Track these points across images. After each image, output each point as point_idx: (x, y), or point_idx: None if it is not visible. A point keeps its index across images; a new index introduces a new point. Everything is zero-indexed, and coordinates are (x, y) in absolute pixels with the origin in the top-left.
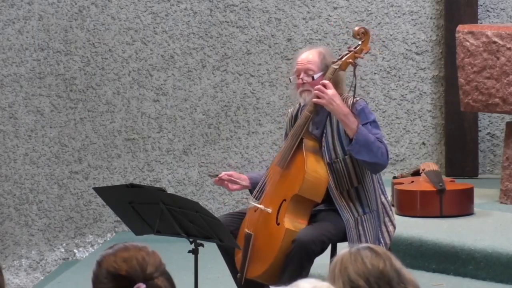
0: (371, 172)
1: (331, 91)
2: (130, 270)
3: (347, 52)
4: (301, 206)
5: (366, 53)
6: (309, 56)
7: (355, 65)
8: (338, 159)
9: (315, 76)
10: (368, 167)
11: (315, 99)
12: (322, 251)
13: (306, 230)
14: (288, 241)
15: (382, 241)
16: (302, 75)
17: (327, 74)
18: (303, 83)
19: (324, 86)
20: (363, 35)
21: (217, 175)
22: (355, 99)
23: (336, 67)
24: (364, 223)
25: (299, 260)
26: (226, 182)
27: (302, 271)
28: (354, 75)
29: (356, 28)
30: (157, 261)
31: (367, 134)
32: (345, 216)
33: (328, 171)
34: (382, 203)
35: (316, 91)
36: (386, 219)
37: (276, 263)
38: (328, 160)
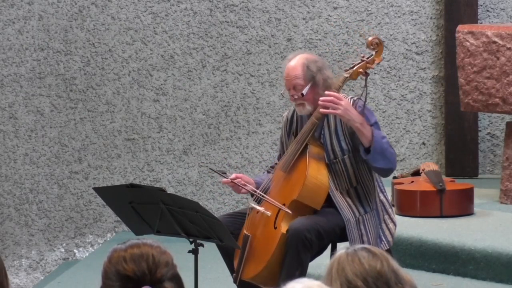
0: (382, 176)
1: (343, 101)
2: (138, 271)
3: (359, 61)
4: (300, 212)
5: (378, 63)
6: (294, 72)
7: (366, 75)
8: (337, 160)
9: (304, 92)
10: (382, 173)
11: (331, 111)
12: (320, 242)
13: (299, 219)
14: (283, 245)
15: (384, 239)
16: (291, 91)
17: (337, 82)
18: (295, 99)
19: (337, 98)
20: (377, 45)
21: (224, 173)
22: (355, 99)
23: (347, 75)
24: (366, 223)
25: (295, 248)
26: (239, 187)
27: (300, 260)
28: (365, 85)
29: (370, 38)
30: (168, 262)
31: (380, 141)
32: (346, 216)
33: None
34: (381, 201)
35: (329, 103)
36: (386, 216)
37: (270, 267)
38: (326, 161)
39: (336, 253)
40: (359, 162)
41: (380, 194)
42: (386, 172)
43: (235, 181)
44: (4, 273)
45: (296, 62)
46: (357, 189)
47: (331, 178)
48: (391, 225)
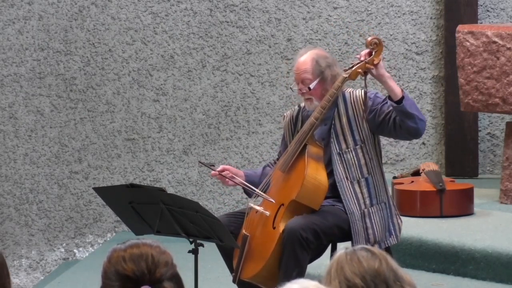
0: (413, 136)
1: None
2: (137, 271)
3: (358, 61)
4: (298, 212)
5: (377, 63)
6: (303, 66)
7: (365, 75)
8: (349, 149)
9: (311, 86)
10: (417, 125)
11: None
12: (317, 241)
13: (295, 218)
14: (282, 245)
15: (393, 233)
16: (300, 85)
17: (336, 82)
18: (303, 93)
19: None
20: (376, 45)
21: (212, 165)
22: (362, 90)
23: (346, 75)
24: (372, 216)
25: (291, 247)
26: (227, 179)
27: (297, 259)
28: (365, 84)
29: (369, 38)
30: (167, 262)
31: (409, 96)
32: (350, 208)
33: (338, 162)
34: (391, 196)
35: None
36: (396, 212)
37: (269, 266)
38: (338, 151)
39: (336, 253)
40: (371, 153)
41: (389, 189)
42: (419, 124)
43: (222, 173)
44: (6, 273)
45: (306, 57)
46: (368, 180)
47: (342, 168)
48: (399, 221)
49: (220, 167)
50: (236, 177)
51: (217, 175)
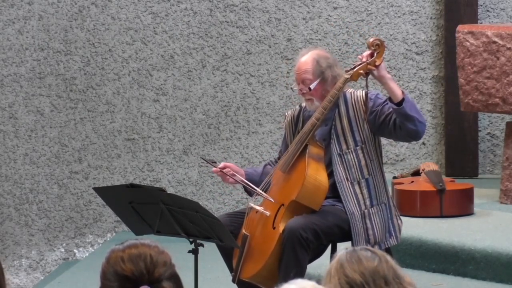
0: (413, 138)
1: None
2: (136, 271)
3: (360, 62)
4: (298, 213)
5: (379, 65)
6: (304, 66)
7: (367, 76)
8: (350, 150)
9: (312, 86)
10: (417, 127)
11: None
12: (317, 241)
13: (295, 218)
14: (282, 245)
15: (394, 235)
16: (300, 85)
17: (338, 83)
18: (303, 93)
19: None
20: (378, 47)
21: (213, 162)
22: (363, 91)
23: (347, 76)
24: (372, 216)
25: (291, 247)
26: (228, 176)
27: (297, 259)
28: (366, 85)
29: (371, 40)
30: (166, 262)
31: (409, 96)
32: (350, 209)
33: (339, 163)
34: (391, 196)
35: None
36: (396, 212)
37: (268, 267)
38: (338, 151)
39: (336, 254)
40: (371, 154)
41: (390, 189)
42: (418, 126)
43: (224, 170)
44: (1, 272)
45: (307, 57)
46: (369, 180)
47: (342, 169)
48: (399, 221)
49: (221, 164)
50: (237, 175)
51: (218, 172)
